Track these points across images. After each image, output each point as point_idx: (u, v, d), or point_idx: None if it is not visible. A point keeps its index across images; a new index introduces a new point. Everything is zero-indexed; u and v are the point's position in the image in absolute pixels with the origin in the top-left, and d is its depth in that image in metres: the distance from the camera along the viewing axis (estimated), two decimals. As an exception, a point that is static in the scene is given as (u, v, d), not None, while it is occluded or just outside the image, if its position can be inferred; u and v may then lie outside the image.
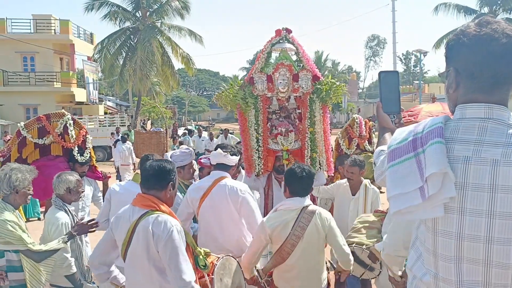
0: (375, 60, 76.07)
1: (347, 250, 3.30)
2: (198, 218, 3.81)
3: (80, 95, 29.02)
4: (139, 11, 27.69)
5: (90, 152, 4.87)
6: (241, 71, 74.85)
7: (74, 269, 3.62)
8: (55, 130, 4.77)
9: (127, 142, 14.28)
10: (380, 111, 1.91)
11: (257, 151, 4.58)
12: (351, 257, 3.35)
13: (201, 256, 2.73)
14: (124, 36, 27.61)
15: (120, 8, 27.62)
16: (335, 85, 4.60)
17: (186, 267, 2.52)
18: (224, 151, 3.82)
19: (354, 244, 3.42)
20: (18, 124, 4.87)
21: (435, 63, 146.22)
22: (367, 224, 3.58)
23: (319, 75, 4.65)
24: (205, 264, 2.75)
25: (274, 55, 4.85)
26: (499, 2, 28.00)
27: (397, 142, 1.48)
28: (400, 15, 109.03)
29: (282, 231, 3.18)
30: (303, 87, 4.58)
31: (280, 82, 4.56)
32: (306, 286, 3.27)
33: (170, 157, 4.33)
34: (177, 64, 28.94)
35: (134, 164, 14.02)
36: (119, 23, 27.55)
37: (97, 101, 31.37)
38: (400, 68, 69.78)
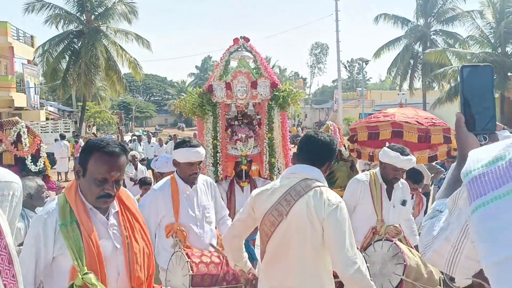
0: (319, 67, 78.16)
1: (355, 261, 2.22)
2: None
3: (19, 100, 27.64)
4: (84, 15, 26.89)
5: (44, 161, 4.81)
6: (189, 77, 74.50)
7: None
8: (7, 138, 4.68)
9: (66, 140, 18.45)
10: (463, 129, 1.18)
11: (213, 157, 4.65)
12: (362, 276, 2.21)
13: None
14: (67, 39, 26.62)
15: (63, 11, 26.66)
16: (293, 92, 4.82)
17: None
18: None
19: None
20: None
21: (376, 71, 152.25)
22: None
23: (277, 82, 4.82)
24: None
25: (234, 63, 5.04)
26: (433, 14, 29.87)
27: (483, 164, 0.92)
28: (344, 24, 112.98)
29: (266, 201, 2.40)
30: (261, 94, 4.73)
31: (239, 89, 4.69)
32: None
33: (155, 162, 4.42)
34: (124, 69, 28.41)
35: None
36: (62, 27, 26.62)
37: (38, 106, 30.05)
38: (345, 75, 72.24)
